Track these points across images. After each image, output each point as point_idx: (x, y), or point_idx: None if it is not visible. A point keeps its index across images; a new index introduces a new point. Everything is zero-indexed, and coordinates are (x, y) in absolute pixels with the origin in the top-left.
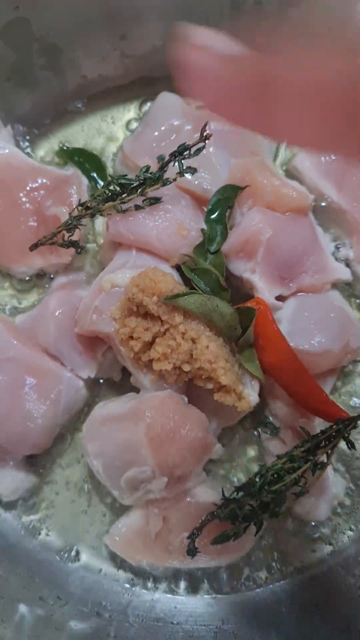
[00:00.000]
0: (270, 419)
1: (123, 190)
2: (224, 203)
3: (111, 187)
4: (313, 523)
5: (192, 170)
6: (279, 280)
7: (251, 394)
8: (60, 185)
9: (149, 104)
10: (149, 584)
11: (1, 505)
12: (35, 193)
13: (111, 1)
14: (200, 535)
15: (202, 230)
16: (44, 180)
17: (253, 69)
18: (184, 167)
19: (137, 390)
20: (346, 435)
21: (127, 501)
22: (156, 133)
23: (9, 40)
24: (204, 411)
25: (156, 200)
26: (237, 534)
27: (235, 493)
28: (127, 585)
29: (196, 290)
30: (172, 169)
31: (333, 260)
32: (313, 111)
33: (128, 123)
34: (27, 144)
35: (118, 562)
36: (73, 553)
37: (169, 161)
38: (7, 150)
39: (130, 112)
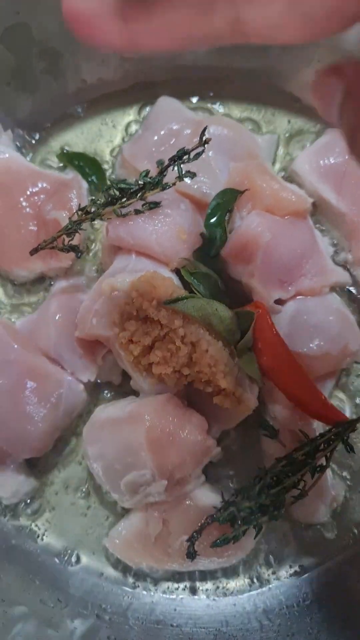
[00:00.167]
0: (270, 421)
1: (123, 194)
2: (223, 207)
3: (111, 192)
4: (312, 525)
5: (192, 175)
6: (278, 284)
7: (250, 397)
8: (60, 190)
9: (148, 108)
10: (149, 586)
11: (1, 508)
12: (36, 197)
13: None
14: (199, 538)
15: (202, 234)
16: (44, 185)
17: None
18: (183, 172)
19: (137, 393)
20: (345, 438)
21: (127, 504)
22: (155, 137)
23: (9, 44)
24: (203, 414)
25: (156, 205)
26: (236, 537)
27: (235, 496)
28: (127, 588)
29: (195, 294)
30: (172, 173)
31: (332, 263)
32: None
33: (127, 127)
34: (27, 148)
35: (118, 564)
36: (73, 556)
37: (168, 165)
38: (7, 155)
39: (129, 116)
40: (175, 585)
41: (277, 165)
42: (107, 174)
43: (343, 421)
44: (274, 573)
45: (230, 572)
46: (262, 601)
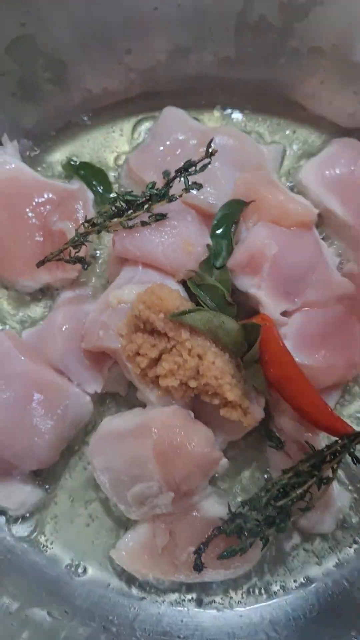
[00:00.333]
0: (276, 432)
1: (129, 206)
2: (229, 218)
3: (117, 204)
4: (318, 536)
5: (198, 186)
6: (284, 296)
7: (257, 409)
8: (66, 200)
9: (154, 117)
10: (156, 598)
11: (8, 519)
12: (42, 208)
13: (116, 16)
14: (206, 549)
15: (208, 245)
16: (50, 195)
17: None
18: (190, 183)
19: (143, 404)
20: (352, 450)
21: (134, 515)
22: (161, 147)
23: (15, 56)
24: (209, 425)
25: (162, 217)
26: (243, 549)
27: (241, 507)
28: (134, 599)
29: (202, 306)
30: (178, 184)
31: (338, 274)
32: None
33: (133, 137)
34: (32, 158)
35: (124, 575)
36: (80, 567)
37: (174, 177)
38: (13, 165)
39: (135, 125)
40: (182, 596)
41: (283, 176)
42: (113, 183)
43: (349, 433)
44: (280, 584)
45: (236, 584)
46: (268, 612)
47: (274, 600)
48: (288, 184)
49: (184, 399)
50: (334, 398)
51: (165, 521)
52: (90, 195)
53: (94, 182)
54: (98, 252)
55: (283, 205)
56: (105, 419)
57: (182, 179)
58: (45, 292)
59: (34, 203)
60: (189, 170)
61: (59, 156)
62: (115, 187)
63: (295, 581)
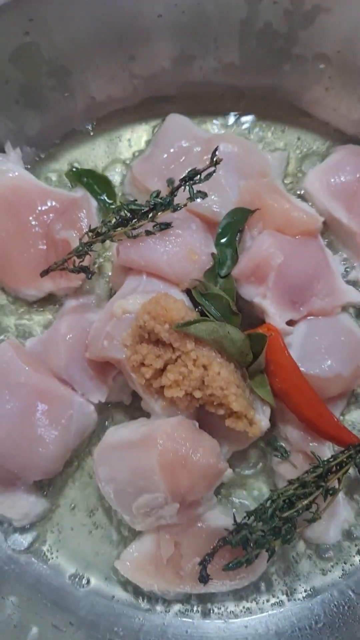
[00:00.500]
0: (281, 442)
1: (133, 215)
2: (234, 226)
3: (122, 213)
4: (324, 546)
5: (203, 195)
6: (290, 305)
7: (262, 419)
8: (70, 208)
9: (157, 124)
10: (161, 608)
11: (12, 529)
12: (45, 216)
13: (120, 23)
14: (211, 561)
15: (213, 254)
16: (53, 203)
17: None
18: (195, 192)
19: (147, 414)
20: (357, 460)
21: (139, 526)
22: (165, 155)
23: (18, 64)
24: (214, 435)
25: (167, 226)
26: (249, 561)
27: (247, 518)
28: (139, 610)
29: (207, 315)
30: (182, 193)
31: (343, 283)
32: None
33: (137, 144)
34: (36, 165)
35: (129, 586)
36: (84, 578)
37: (179, 186)
38: (16, 173)
39: (138, 133)
40: (187, 607)
41: (287, 183)
42: (116, 191)
43: (355, 443)
44: (285, 595)
45: (242, 594)
46: (274, 623)
47: (280, 611)
48: (292, 191)
49: (188, 410)
50: (340, 407)
51: (170, 532)
52: (94, 203)
53: (97, 190)
54: (102, 259)
55: (288, 213)
56: (109, 429)
57: (186, 187)
58: (49, 301)
59: (37, 211)
60: (194, 179)
61: (62, 164)
62: (118, 194)
63: (300, 592)
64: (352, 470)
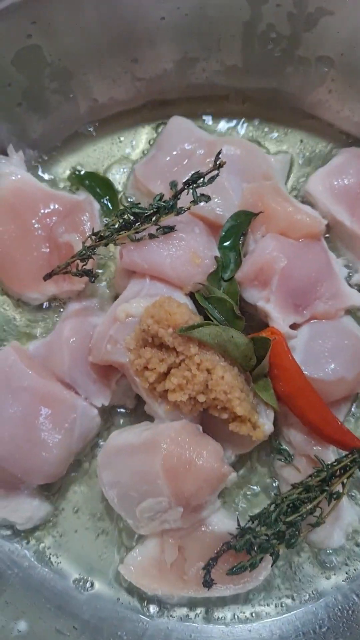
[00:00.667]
0: (284, 446)
1: (137, 219)
2: (237, 229)
3: (125, 216)
4: (327, 550)
5: (206, 199)
6: (293, 308)
7: (266, 423)
8: (73, 212)
9: (160, 127)
10: (164, 613)
11: (16, 533)
12: (48, 219)
13: (123, 25)
14: (215, 565)
15: (216, 257)
16: (56, 206)
17: None
18: (198, 195)
19: (151, 418)
20: None
21: (143, 530)
22: (168, 157)
23: (21, 66)
24: (218, 438)
25: (170, 229)
26: (253, 565)
27: (250, 522)
28: (142, 614)
29: (210, 319)
30: (185, 196)
31: (346, 286)
32: None
33: (139, 146)
34: (38, 168)
35: (133, 590)
36: (88, 582)
37: (182, 190)
38: (19, 176)
39: (141, 135)
40: (191, 611)
41: (290, 186)
42: (119, 194)
43: (359, 446)
44: (289, 599)
45: (245, 598)
46: (278, 627)
47: (284, 615)
48: (295, 193)
49: (192, 413)
50: (344, 411)
51: (174, 536)
52: (97, 206)
53: (99, 193)
54: (104, 262)
55: (291, 216)
56: (113, 432)
57: (190, 190)
58: (51, 304)
59: (40, 214)
60: (197, 182)
61: (64, 166)
62: (120, 197)
63: (304, 595)
64: (357, 474)
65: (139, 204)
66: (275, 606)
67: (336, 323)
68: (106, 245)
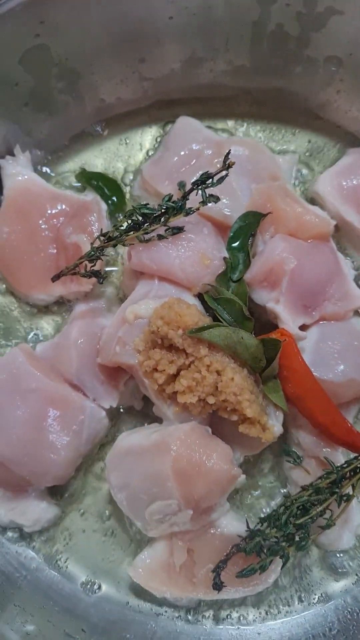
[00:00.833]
0: (294, 448)
1: (145, 219)
2: (246, 230)
3: (133, 217)
4: (337, 552)
5: (215, 199)
6: (303, 309)
7: (275, 425)
8: (80, 212)
9: (167, 127)
10: (173, 615)
11: (23, 536)
12: (55, 220)
13: (130, 25)
14: (225, 567)
15: (225, 258)
16: (64, 207)
17: None
18: (207, 196)
19: (159, 420)
20: None
21: (152, 533)
22: (176, 158)
23: (28, 66)
24: (227, 440)
25: (179, 230)
26: (263, 567)
27: (260, 524)
28: (151, 617)
29: (219, 320)
30: (193, 196)
31: (356, 287)
32: None
33: (146, 147)
34: (45, 169)
35: (141, 593)
36: (96, 584)
37: (191, 190)
38: (26, 176)
39: (148, 135)
40: (200, 613)
41: (298, 186)
42: (126, 194)
43: None
44: (299, 601)
45: (254, 601)
46: (287, 630)
47: (293, 618)
48: (303, 194)
49: (202, 415)
50: (353, 413)
51: (183, 539)
52: (104, 207)
53: (107, 193)
54: (113, 265)
55: (300, 217)
56: (121, 434)
57: (198, 191)
58: (59, 305)
59: (47, 215)
60: (206, 182)
61: (71, 167)
62: (127, 197)
63: (314, 598)
64: None
65: (148, 204)
66: (285, 609)
67: (345, 324)
68: (114, 246)
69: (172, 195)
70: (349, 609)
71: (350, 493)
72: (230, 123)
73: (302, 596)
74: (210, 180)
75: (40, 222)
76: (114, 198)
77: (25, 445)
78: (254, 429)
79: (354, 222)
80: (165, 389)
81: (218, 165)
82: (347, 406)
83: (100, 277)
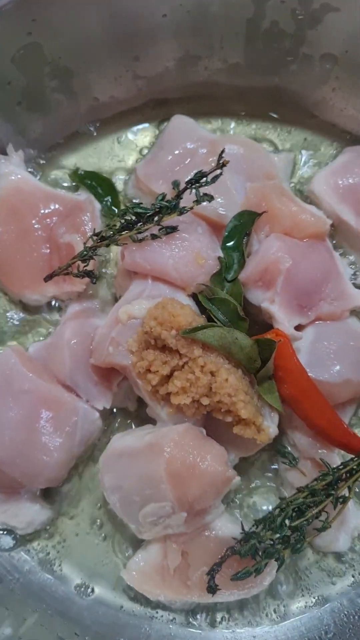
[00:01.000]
0: (289, 448)
1: (139, 219)
2: (240, 229)
3: (127, 217)
4: (333, 554)
5: (209, 198)
6: (298, 309)
7: (270, 426)
8: (74, 212)
9: (162, 126)
10: (167, 618)
11: (16, 538)
12: (48, 219)
13: (124, 23)
14: (220, 570)
15: (219, 258)
16: (57, 206)
17: None
18: (201, 195)
19: (153, 421)
20: None
21: (145, 535)
22: (170, 157)
23: (20, 65)
24: (221, 441)
25: (173, 229)
26: (258, 570)
27: (255, 527)
28: (145, 620)
29: (214, 320)
30: (188, 195)
31: (352, 286)
32: None
33: (140, 145)
34: (38, 168)
35: (135, 596)
36: (89, 587)
37: (185, 189)
38: (19, 176)
39: (142, 134)
40: (194, 616)
41: (294, 185)
42: (120, 193)
43: None
44: (294, 604)
45: (249, 604)
46: (282, 633)
47: (289, 621)
48: (299, 193)
49: (196, 417)
50: (349, 413)
51: (177, 541)
52: (98, 206)
53: (101, 192)
54: (106, 265)
55: (295, 216)
56: (115, 436)
57: (192, 190)
58: (52, 305)
59: (40, 214)
60: (200, 181)
61: (65, 166)
62: (121, 196)
63: (310, 600)
64: None
65: (141, 203)
66: (280, 612)
67: (341, 324)
68: (108, 245)
69: (166, 195)
70: (345, 612)
71: (347, 495)
72: (224, 121)
73: (297, 599)
74: (205, 179)
75: (33, 221)
76: (108, 197)
77: (17, 447)
78: (248, 430)
79: (350, 221)
80: (158, 390)
81: (213, 164)
82: (343, 407)
83: (93, 277)
